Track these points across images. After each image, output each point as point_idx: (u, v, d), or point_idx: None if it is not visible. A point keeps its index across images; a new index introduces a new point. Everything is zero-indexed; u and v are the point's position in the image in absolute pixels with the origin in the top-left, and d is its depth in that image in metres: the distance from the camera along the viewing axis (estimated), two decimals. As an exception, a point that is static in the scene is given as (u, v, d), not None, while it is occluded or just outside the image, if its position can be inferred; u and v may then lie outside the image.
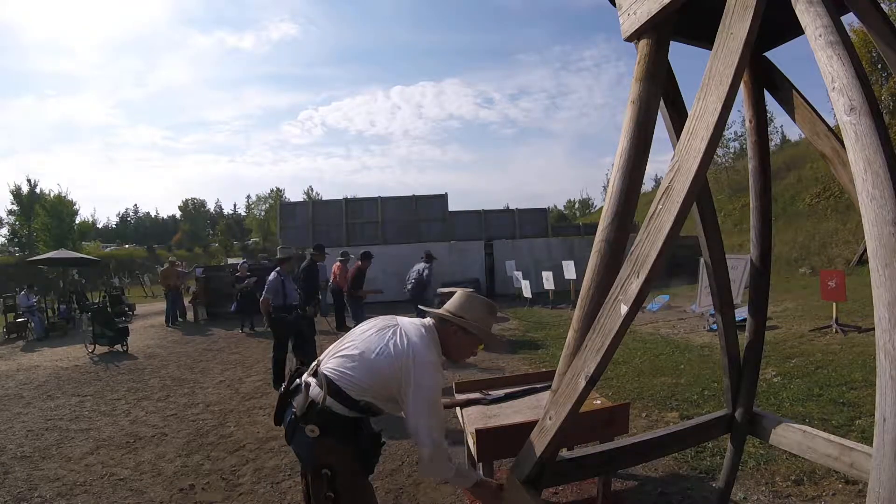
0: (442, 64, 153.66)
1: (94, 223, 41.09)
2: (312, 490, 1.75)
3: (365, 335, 1.85)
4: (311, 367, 1.88)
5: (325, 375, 1.75)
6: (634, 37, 1.62)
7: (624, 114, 1.60)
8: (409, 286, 7.97)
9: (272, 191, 57.24)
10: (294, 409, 1.75)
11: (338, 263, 9.40)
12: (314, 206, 18.54)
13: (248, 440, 4.20)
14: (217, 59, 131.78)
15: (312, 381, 1.78)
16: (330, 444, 1.71)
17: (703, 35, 1.65)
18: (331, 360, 1.82)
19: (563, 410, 1.54)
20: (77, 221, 34.46)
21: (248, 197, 68.30)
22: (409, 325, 1.88)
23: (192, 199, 64.77)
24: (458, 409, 2.86)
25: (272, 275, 5.79)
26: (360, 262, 8.28)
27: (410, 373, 1.70)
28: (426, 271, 7.92)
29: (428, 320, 1.95)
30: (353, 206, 17.87)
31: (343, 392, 1.72)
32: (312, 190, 55.26)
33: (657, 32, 1.56)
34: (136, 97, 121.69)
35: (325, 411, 1.71)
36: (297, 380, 1.86)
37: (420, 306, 2.10)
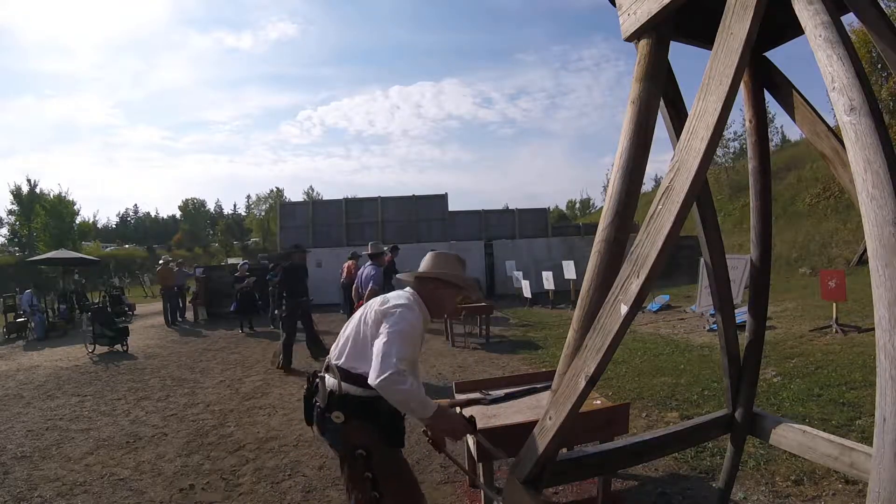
0: (440, 64, 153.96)
1: (94, 223, 41.05)
2: (350, 474, 1.84)
3: (357, 317, 2.00)
4: (325, 364, 2.00)
5: (337, 366, 1.88)
6: (635, 37, 1.62)
7: (624, 114, 1.60)
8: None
9: (272, 191, 57.29)
10: (318, 404, 1.89)
11: (352, 262, 10.62)
12: (314, 206, 18.54)
13: (248, 440, 4.20)
14: (216, 59, 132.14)
15: (327, 375, 1.92)
16: (357, 425, 1.83)
17: (703, 35, 1.65)
18: (335, 350, 1.97)
19: (563, 410, 1.54)
20: (77, 221, 34.45)
21: (248, 197, 68.42)
22: (392, 294, 2.03)
23: (192, 199, 64.65)
24: (458, 409, 2.86)
25: (371, 269, 5.84)
26: (389, 255, 9.53)
27: (386, 317, 1.83)
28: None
29: (407, 287, 2.09)
30: (353, 206, 17.87)
31: (353, 374, 1.84)
32: (313, 190, 55.38)
33: (657, 32, 1.56)
34: (136, 97, 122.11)
35: (344, 397, 1.83)
36: (315, 380, 2.00)
37: (398, 275, 2.23)
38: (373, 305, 1.95)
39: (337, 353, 1.95)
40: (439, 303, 2.05)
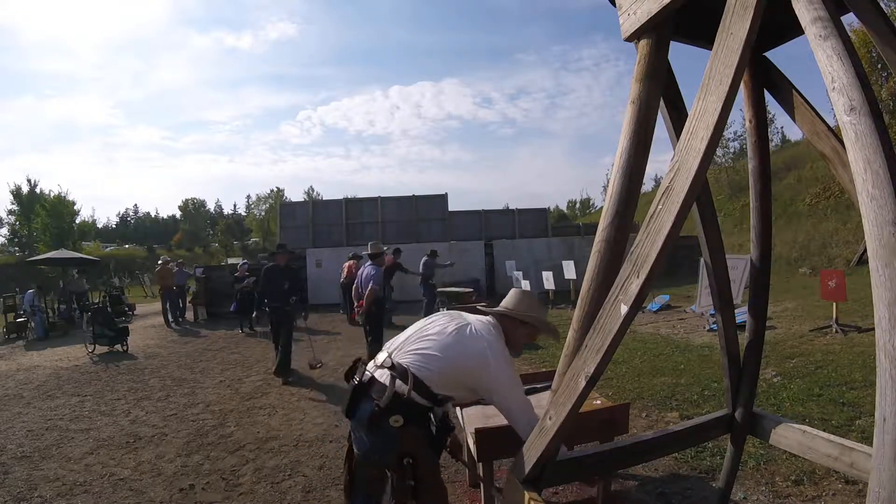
0: (440, 63, 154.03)
1: (94, 223, 41.05)
2: (393, 480, 1.84)
3: (440, 333, 1.96)
4: (381, 359, 1.96)
5: (411, 372, 1.84)
6: (634, 37, 1.62)
7: (624, 114, 1.60)
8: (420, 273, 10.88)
9: (272, 191, 57.29)
10: (377, 402, 1.81)
11: (352, 261, 10.92)
12: (314, 206, 18.55)
13: (248, 440, 4.20)
14: (215, 59, 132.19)
15: (391, 373, 1.85)
16: (413, 433, 1.82)
17: (703, 35, 1.65)
18: (408, 354, 1.91)
19: (563, 410, 1.54)
20: (77, 221, 34.45)
21: (248, 197, 68.49)
22: (478, 322, 2.04)
23: (192, 199, 64.65)
24: (458, 408, 2.86)
25: (371, 269, 5.71)
26: (391, 257, 9.77)
27: (493, 368, 1.87)
28: (425, 258, 10.72)
29: (490, 318, 2.11)
30: (353, 206, 17.88)
31: (426, 386, 1.83)
32: (313, 190, 55.39)
33: (657, 32, 1.56)
34: (136, 97, 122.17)
35: (408, 402, 1.80)
36: (367, 373, 1.93)
37: (480, 307, 2.30)
38: (468, 334, 1.94)
39: (410, 359, 1.88)
40: (517, 340, 2.11)
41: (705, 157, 1.28)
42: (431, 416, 1.92)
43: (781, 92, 1.81)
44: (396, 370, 1.85)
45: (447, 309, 8.71)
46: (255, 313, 6.58)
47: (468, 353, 1.89)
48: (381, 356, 1.97)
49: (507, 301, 2.16)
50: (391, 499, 1.90)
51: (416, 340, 1.96)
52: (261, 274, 6.49)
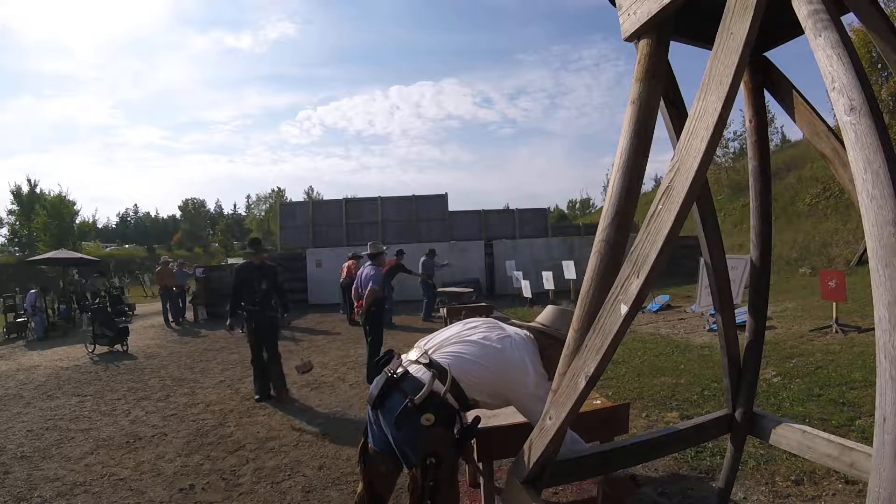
0: (440, 64, 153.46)
1: (94, 223, 41.08)
2: (415, 479, 1.81)
3: (482, 340, 1.99)
4: (414, 355, 1.96)
5: (451, 373, 1.85)
6: (635, 37, 1.62)
7: (624, 114, 1.60)
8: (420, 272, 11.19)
9: (272, 191, 57.36)
10: (410, 398, 1.79)
11: (351, 261, 11.09)
12: (314, 206, 18.58)
13: (248, 440, 4.20)
14: (215, 59, 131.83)
15: (429, 371, 1.86)
16: (440, 433, 1.81)
17: (703, 35, 1.65)
18: (447, 355, 1.92)
19: (563, 410, 1.54)
20: (77, 221, 34.49)
21: (248, 197, 68.59)
22: (517, 336, 2.05)
23: (192, 199, 64.65)
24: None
25: (371, 269, 5.72)
26: (394, 257, 10.04)
27: (530, 382, 1.91)
28: (423, 258, 11.23)
29: (526, 333, 2.11)
30: (352, 206, 17.90)
31: (461, 388, 1.86)
32: (313, 190, 55.43)
33: (657, 32, 1.56)
34: (136, 97, 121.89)
35: (442, 402, 1.82)
36: (400, 368, 1.92)
37: (500, 316, 2.27)
38: (509, 346, 1.97)
39: (449, 360, 1.90)
40: (552, 359, 2.08)
41: (705, 157, 1.27)
42: (458, 419, 1.92)
43: (781, 92, 1.81)
44: (435, 368, 1.85)
45: (446, 308, 8.64)
46: (228, 320, 5.58)
47: (509, 364, 1.92)
48: (414, 352, 1.98)
49: (544, 317, 2.16)
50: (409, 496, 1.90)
51: (455, 343, 1.97)
52: (235, 275, 5.74)
